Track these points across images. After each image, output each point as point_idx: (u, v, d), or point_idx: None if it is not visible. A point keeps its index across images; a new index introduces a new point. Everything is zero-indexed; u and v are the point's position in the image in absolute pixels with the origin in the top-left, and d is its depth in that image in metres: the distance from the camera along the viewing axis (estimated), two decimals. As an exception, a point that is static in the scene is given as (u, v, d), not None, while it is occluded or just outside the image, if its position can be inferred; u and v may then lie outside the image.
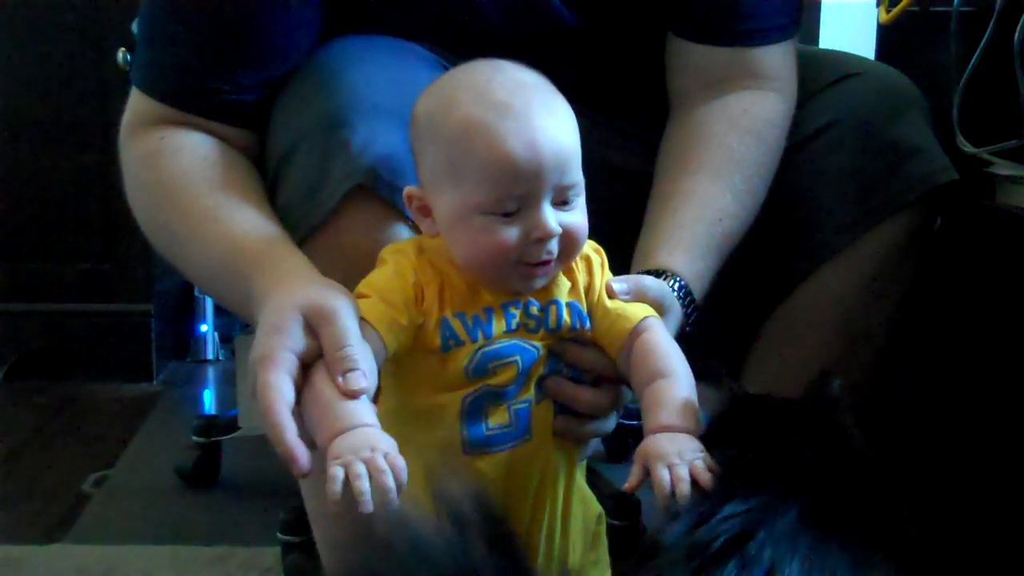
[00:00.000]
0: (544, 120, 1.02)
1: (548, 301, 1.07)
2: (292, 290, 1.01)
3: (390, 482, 0.89)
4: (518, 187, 1.01)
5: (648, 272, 1.16)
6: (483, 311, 1.05)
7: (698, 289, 1.18)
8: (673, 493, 0.94)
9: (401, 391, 1.05)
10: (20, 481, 2.24)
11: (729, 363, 1.43)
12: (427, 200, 1.07)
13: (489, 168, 1.01)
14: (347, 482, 0.89)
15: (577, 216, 1.05)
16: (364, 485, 0.89)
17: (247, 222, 1.12)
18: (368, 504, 0.88)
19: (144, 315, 2.84)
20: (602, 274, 1.11)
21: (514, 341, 1.06)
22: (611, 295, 1.08)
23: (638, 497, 1.86)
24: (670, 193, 1.25)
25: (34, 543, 1.94)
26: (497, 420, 1.05)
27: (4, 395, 2.75)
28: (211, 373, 2.97)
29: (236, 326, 2.80)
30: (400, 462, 0.91)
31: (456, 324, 1.04)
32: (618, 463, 2.19)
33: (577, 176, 1.04)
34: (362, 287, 1.05)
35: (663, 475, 0.95)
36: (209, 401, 2.82)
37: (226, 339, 2.99)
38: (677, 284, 1.16)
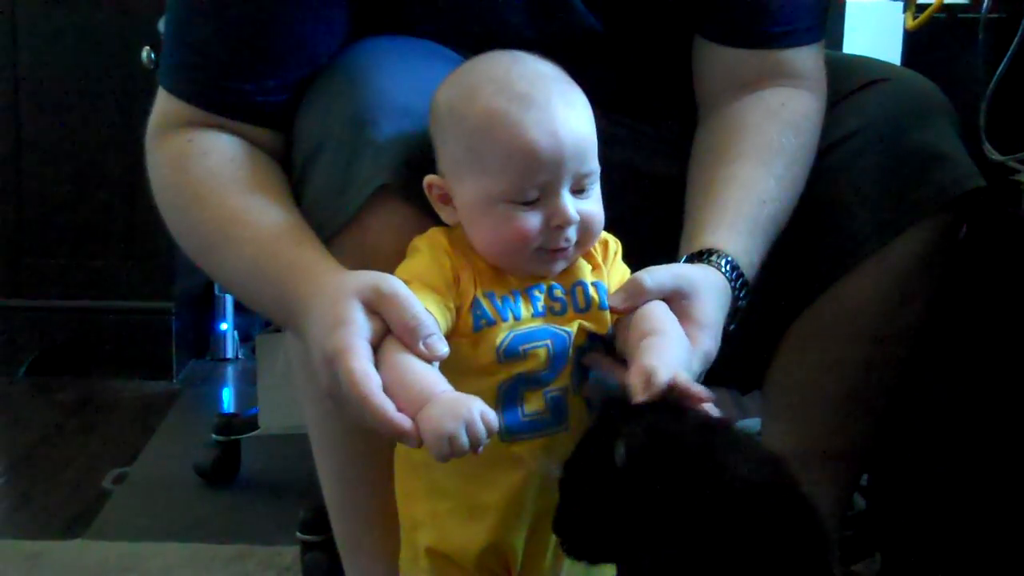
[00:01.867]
0: (564, 110, 1.05)
1: (572, 283, 1.10)
2: (342, 280, 1.03)
3: (484, 440, 0.94)
4: (540, 176, 1.04)
5: (693, 254, 1.17)
6: (511, 292, 1.08)
7: (746, 264, 1.18)
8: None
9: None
10: (40, 477, 2.25)
11: (754, 366, 1.42)
12: (448, 188, 1.09)
13: (512, 157, 1.04)
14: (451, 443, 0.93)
15: (594, 204, 1.08)
16: (465, 442, 0.93)
17: (276, 226, 1.13)
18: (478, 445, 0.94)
19: (165, 313, 2.84)
20: (615, 262, 1.13)
21: (544, 326, 1.08)
22: (614, 312, 1.09)
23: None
24: (711, 180, 1.25)
25: (54, 539, 1.95)
26: (533, 406, 1.07)
27: (25, 391, 2.76)
28: (231, 371, 2.98)
29: (256, 325, 2.81)
30: (491, 415, 0.95)
31: (487, 303, 1.07)
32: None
33: (594, 164, 1.07)
34: (402, 274, 1.06)
35: (645, 363, 0.99)
36: (229, 399, 2.82)
37: (246, 338, 2.99)
38: (724, 261, 1.16)
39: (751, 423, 2.14)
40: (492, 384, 1.06)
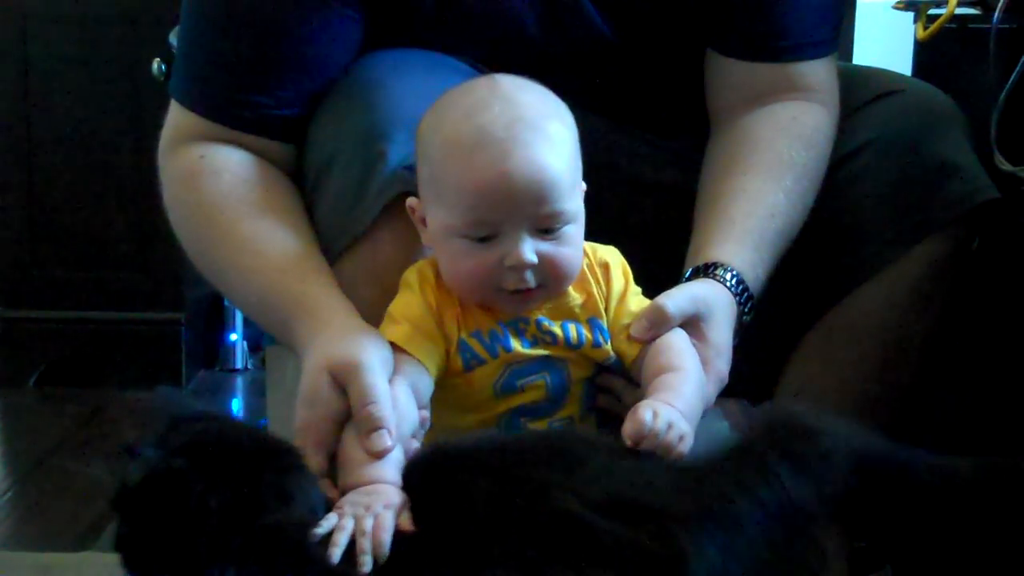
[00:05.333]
0: (524, 149, 1.01)
1: (563, 320, 1.07)
2: (323, 348, 1.04)
3: (367, 545, 0.90)
4: (490, 215, 1.02)
5: (698, 268, 1.16)
6: (498, 326, 1.06)
7: (752, 279, 1.17)
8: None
9: (439, 414, 1.06)
10: (50, 488, 2.24)
11: (766, 376, 1.42)
12: (424, 213, 1.08)
13: (461, 194, 1.02)
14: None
15: (562, 246, 1.04)
16: (341, 539, 0.91)
17: (283, 257, 1.14)
18: (335, 556, 0.90)
19: (174, 324, 2.84)
20: (623, 278, 1.11)
21: (541, 360, 1.07)
22: (639, 340, 1.08)
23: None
24: (719, 193, 1.25)
25: (64, 550, 1.95)
26: None
27: (35, 402, 2.76)
28: (240, 382, 2.97)
29: (266, 336, 2.79)
30: (386, 523, 0.92)
31: (474, 344, 1.06)
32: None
33: (561, 205, 1.03)
34: (396, 314, 1.07)
35: (644, 415, 0.96)
36: (238, 410, 2.81)
37: (256, 348, 2.99)
38: (729, 274, 1.15)
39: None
40: (490, 417, 1.07)
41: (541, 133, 1.03)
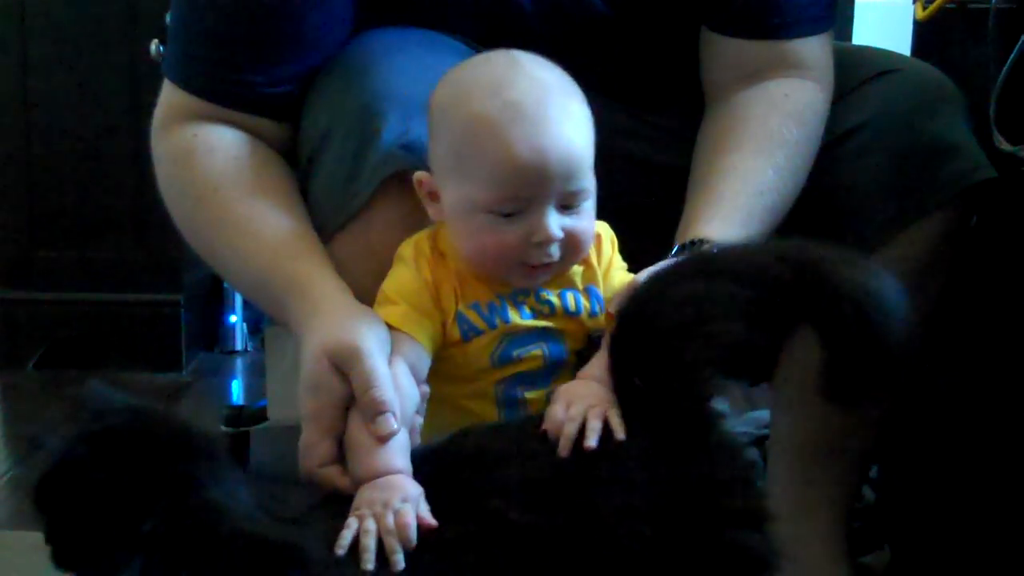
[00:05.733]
0: (555, 125, 1.02)
1: (561, 289, 1.08)
2: (320, 332, 1.04)
3: (394, 543, 0.92)
4: (522, 191, 1.02)
5: (685, 244, 1.16)
6: (496, 297, 1.07)
7: None
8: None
9: (437, 382, 1.06)
10: (50, 469, 2.24)
11: (763, 358, 1.42)
12: (436, 187, 1.08)
13: (495, 169, 1.02)
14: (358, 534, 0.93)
15: (582, 220, 1.05)
16: (370, 543, 0.92)
17: (277, 238, 1.14)
18: (369, 562, 0.91)
19: (173, 305, 2.84)
20: (611, 251, 1.11)
21: (537, 330, 1.07)
22: (612, 316, 1.07)
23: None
24: (710, 170, 1.25)
25: (63, 531, 1.95)
26: (538, 408, 1.05)
27: (34, 384, 2.76)
28: (240, 364, 2.98)
29: (265, 317, 2.80)
30: (408, 519, 0.93)
31: (471, 315, 1.06)
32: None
33: (585, 182, 1.04)
34: (391, 293, 1.07)
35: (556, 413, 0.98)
36: (238, 391, 2.82)
37: (255, 330, 2.99)
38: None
39: (760, 415, 2.14)
40: (487, 386, 1.07)
41: (567, 110, 1.04)
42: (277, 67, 1.19)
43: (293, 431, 2.12)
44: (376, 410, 0.99)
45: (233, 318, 3.01)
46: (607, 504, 0.94)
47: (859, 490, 1.54)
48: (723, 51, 1.32)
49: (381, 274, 1.10)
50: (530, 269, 1.05)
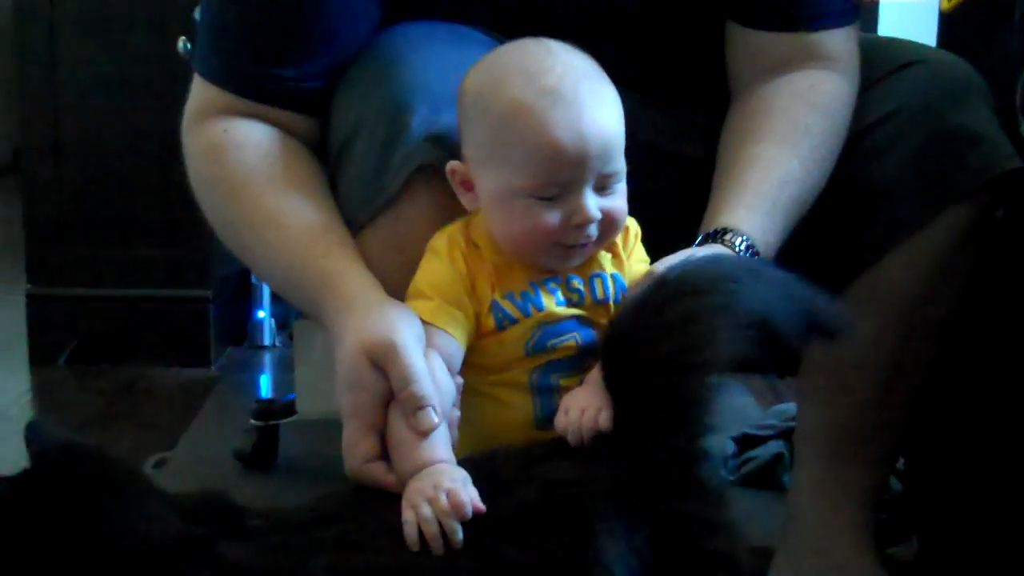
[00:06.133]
0: (592, 109, 1.04)
1: (591, 275, 1.09)
2: (356, 329, 1.05)
3: (453, 524, 0.93)
4: (562, 174, 1.03)
5: (710, 234, 1.17)
6: (530, 285, 1.07)
7: (762, 244, 1.18)
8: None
9: (470, 373, 1.07)
10: (82, 463, 2.26)
11: (786, 353, 1.42)
12: (470, 176, 1.09)
13: (535, 154, 1.03)
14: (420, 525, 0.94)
15: (617, 200, 1.07)
16: (433, 529, 0.93)
17: (308, 232, 1.15)
18: (440, 548, 0.93)
19: (202, 300, 2.86)
20: (635, 243, 1.13)
21: (572, 320, 1.08)
22: None
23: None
24: (735, 160, 1.25)
25: (97, 523, 1.97)
26: None
27: (66, 379, 2.78)
28: (268, 359, 2.99)
29: (293, 313, 2.81)
30: (463, 497, 0.94)
31: (507, 304, 1.07)
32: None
33: (620, 164, 1.06)
34: (423, 286, 1.07)
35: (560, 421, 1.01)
36: (266, 386, 2.83)
37: (283, 325, 3.00)
38: (739, 239, 1.16)
39: (786, 408, 2.15)
40: (523, 374, 1.07)
41: (601, 94, 1.06)
42: (306, 62, 1.20)
43: (321, 425, 2.15)
44: (416, 405, 1.00)
45: (261, 313, 3.02)
46: (587, 538, 0.95)
47: (886, 481, 1.54)
48: (749, 43, 1.32)
49: (411, 267, 1.10)
50: (567, 250, 1.06)
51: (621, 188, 1.07)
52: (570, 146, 1.03)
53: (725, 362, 1.00)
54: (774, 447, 2.04)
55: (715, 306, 1.00)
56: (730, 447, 2.09)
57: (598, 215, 1.05)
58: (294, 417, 2.17)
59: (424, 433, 0.99)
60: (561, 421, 1.01)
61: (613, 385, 1.02)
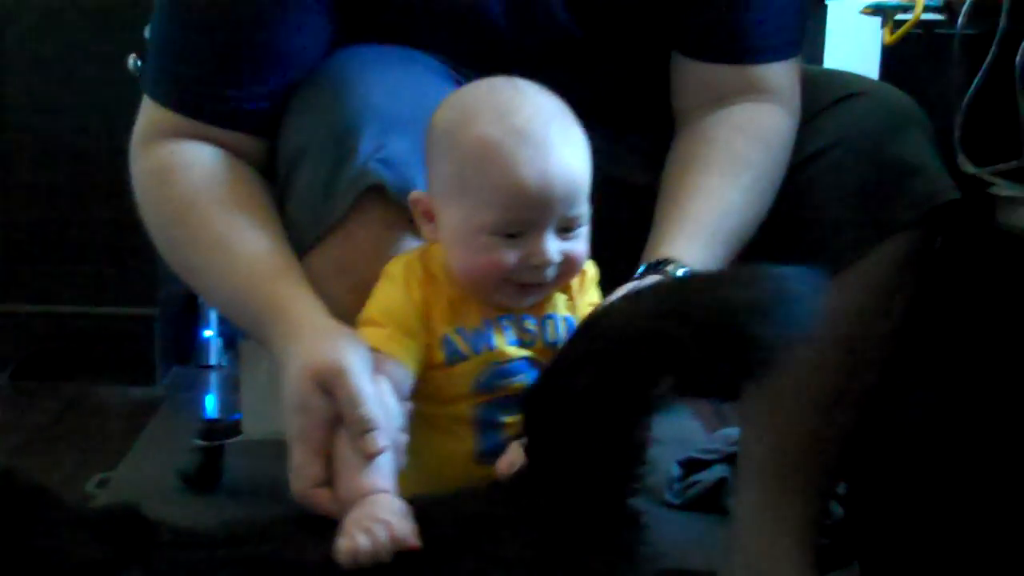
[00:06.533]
0: (559, 151, 1.04)
1: (543, 316, 1.09)
2: (303, 353, 1.04)
3: (387, 555, 0.93)
4: (525, 213, 1.04)
5: (651, 265, 1.17)
6: (482, 322, 1.07)
7: None
8: None
9: (415, 400, 1.07)
10: (23, 482, 2.24)
11: (729, 379, 1.43)
12: (433, 208, 1.09)
13: (500, 192, 1.03)
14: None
15: (578, 244, 1.07)
16: (366, 559, 0.93)
17: (254, 256, 1.14)
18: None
19: (148, 319, 2.85)
20: (591, 288, 1.13)
21: (522, 360, 1.08)
22: None
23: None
24: (676, 190, 1.26)
25: (36, 543, 1.95)
26: (514, 431, 1.06)
27: (9, 396, 2.75)
28: (214, 378, 2.97)
29: (239, 332, 2.80)
30: (398, 532, 0.94)
31: (458, 340, 1.07)
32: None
33: (583, 207, 1.07)
34: (376, 313, 1.07)
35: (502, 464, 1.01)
36: (212, 405, 2.81)
37: (230, 345, 2.99)
38: (680, 271, 1.16)
39: (731, 432, 2.16)
40: (466, 409, 1.07)
41: (569, 136, 1.06)
42: (255, 83, 1.20)
43: (267, 445, 2.13)
44: (363, 428, 0.99)
45: (208, 332, 3.01)
46: None
47: (827, 506, 1.56)
48: (691, 74, 1.33)
49: (358, 288, 1.10)
50: (522, 288, 1.06)
51: (583, 232, 1.07)
52: (535, 187, 1.03)
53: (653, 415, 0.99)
54: (719, 471, 2.06)
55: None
56: (675, 471, 2.11)
57: (557, 258, 1.05)
58: (239, 437, 2.16)
59: (371, 456, 0.99)
60: (503, 466, 1.01)
61: (534, 432, 1.01)
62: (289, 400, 1.03)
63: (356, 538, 0.93)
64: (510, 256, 1.04)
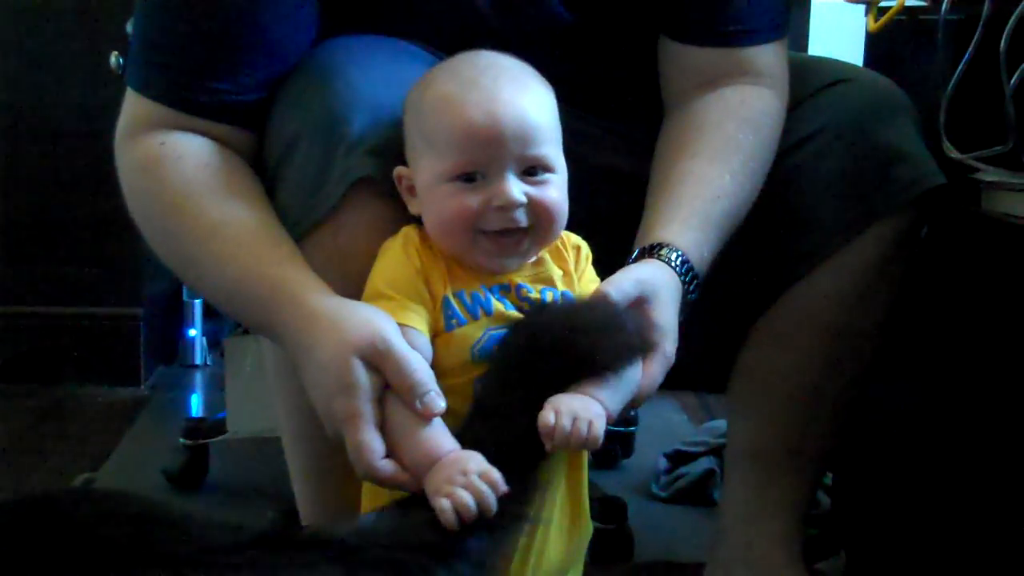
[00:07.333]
0: (509, 93, 1.06)
1: (543, 286, 1.09)
2: (336, 336, 1.04)
3: (491, 500, 0.94)
4: (479, 153, 1.05)
5: (644, 249, 1.17)
6: (480, 289, 1.08)
7: (697, 258, 1.18)
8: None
9: None
10: (8, 483, 2.23)
11: (720, 367, 1.43)
12: (412, 180, 1.10)
13: (452, 135, 1.05)
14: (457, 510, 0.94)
15: (548, 191, 1.07)
16: (472, 511, 0.94)
17: (256, 242, 1.14)
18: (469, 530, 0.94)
19: (133, 319, 2.83)
20: (587, 265, 1.13)
21: None
22: None
23: (624, 502, 1.87)
24: (667, 176, 1.26)
25: (22, 544, 1.93)
26: None
27: (-8, 397, 2.75)
28: (199, 378, 2.96)
29: (225, 331, 2.80)
30: (494, 474, 0.95)
31: (456, 303, 1.07)
32: (605, 469, 2.20)
33: (544, 150, 1.07)
34: (381, 285, 1.07)
35: (548, 420, 0.99)
36: (197, 405, 2.81)
37: (215, 344, 2.98)
38: (674, 255, 1.16)
39: (718, 424, 2.16)
40: (466, 383, 1.06)
41: (523, 85, 1.08)
42: (242, 74, 1.19)
43: (251, 443, 2.13)
44: (422, 392, 1.00)
45: (192, 332, 3.00)
46: None
47: (814, 496, 1.55)
48: (680, 58, 1.33)
49: (348, 280, 1.10)
50: (496, 238, 1.06)
51: (555, 179, 1.08)
52: (482, 124, 1.05)
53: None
54: (705, 463, 2.06)
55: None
56: (663, 463, 2.11)
57: (520, 198, 1.05)
58: (224, 435, 2.15)
59: (432, 416, 1.00)
60: (547, 422, 0.99)
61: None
62: (329, 384, 1.03)
63: (456, 495, 0.94)
64: (472, 200, 1.05)
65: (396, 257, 1.08)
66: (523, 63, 1.11)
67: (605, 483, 2.02)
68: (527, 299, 1.08)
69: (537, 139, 1.06)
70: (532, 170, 1.06)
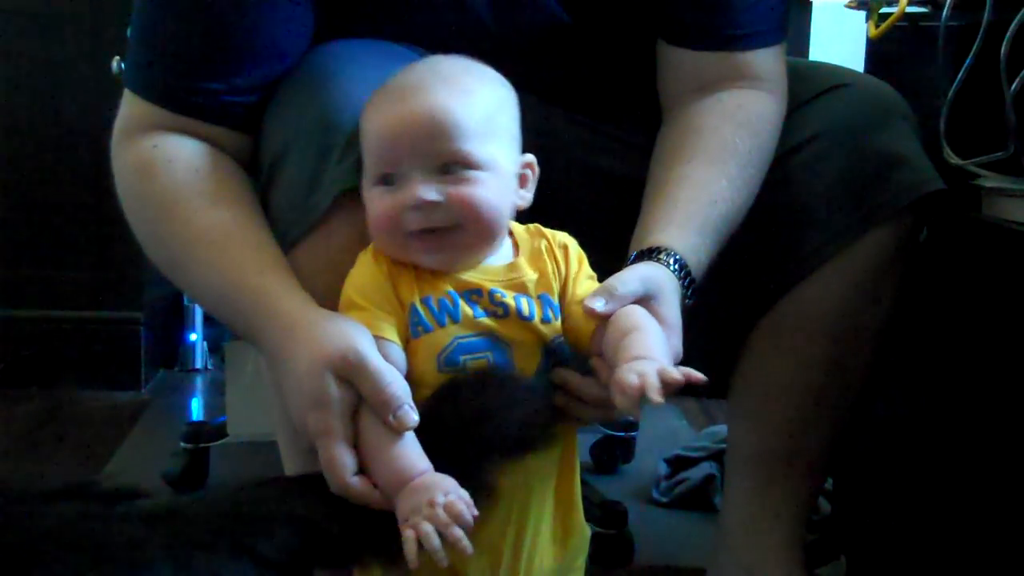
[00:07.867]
0: (427, 94, 1.06)
1: (515, 291, 1.08)
2: (310, 348, 1.04)
3: (456, 532, 0.95)
4: (388, 154, 1.06)
5: (642, 252, 1.17)
6: (449, 295, 1.07)
7: (694, 262, 1.18)
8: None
9: None
10: (8, 487, 2.23)
11: (720, 371, 1.43)
12: None
13: (368, 139, 1.08)
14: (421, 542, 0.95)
15: (467, 187, 1.06)
16: (435, 543, 0.94)
17: (242, 250, 1.14)
18: (443, 560, 0.95)
19: (133, 323, 2.83)
20: (578, 262, 1.12)
21: (487, 338, 1.06)
22: (592, 316, 1.07)
23: (624, 507, 1.87)
24: (665, 180, 1.26)
25: (21, 548, 1.93)
26: None
27: (-7, 401, 2.75)
28: (199, 382, 2.96)
29: (225, 335, 2.80)
30: (459, 506, 0.96)
31: (423, 309, 1.06)
32: (606, 474, 2.20)
33: (463, 146, 1.05)
34: (353, 295, 1.07)
35: (630, 379, 0.98)
36: (197, 409, 2.81)
37: (215, 348, 2.98)
38: (672, 259, 1.16)
39: (719, 429, 2.16)
40: (430, 393, 1.06)
41: (451, 84, 1.07)
42: (237, 77, 1.19)
43: (252, 447, 2.13)
44: (395, 406, 1.00)
45: (193, 336, 3.00)
46: None
47: (815, 501, 1.55)
48: (678, 62, 1.33)
49: (340, 285, 1.10)
50: (421, 237, 1.06)
51: (476, 176, 1.06)
52: (388, 125, 1.06)
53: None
54: (706, 468, 2.06)
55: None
56: (663, 468, 2.11)
57: (429, 196, 1.04)
58: (225, 439, 2.15)
59: (405, 430, 1.00)
60: (634, 389, 0.97)
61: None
62: (304, 397, 1.03)
63: (420, 527, 0.95)
64: (389, 200, 1.06)
65: (366, 264, 1.08)
66: (479, 65, 1.10)
67: (605, 488, 2.02)
68: (501, 304, 1.07)
69: (452, 136, 1.05)
70: (450, 167, 1.05)
